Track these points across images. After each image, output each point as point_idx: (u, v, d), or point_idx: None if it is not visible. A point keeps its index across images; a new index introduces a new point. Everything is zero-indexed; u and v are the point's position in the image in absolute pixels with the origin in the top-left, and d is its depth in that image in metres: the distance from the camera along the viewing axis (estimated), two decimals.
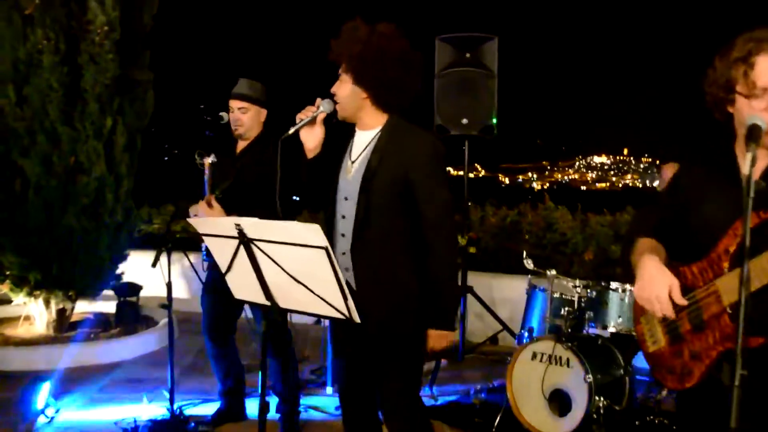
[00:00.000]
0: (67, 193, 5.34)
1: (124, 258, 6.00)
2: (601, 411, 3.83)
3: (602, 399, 3.84)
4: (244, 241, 2.00)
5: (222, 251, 2.12)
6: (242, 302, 3.90)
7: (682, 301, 1.95)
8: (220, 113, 3.90)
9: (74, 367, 5.21)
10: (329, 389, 4.74)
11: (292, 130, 2.53)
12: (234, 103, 3.89)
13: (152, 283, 5.01)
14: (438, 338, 2.54)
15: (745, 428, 1.90)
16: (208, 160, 3.54)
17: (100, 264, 5.69)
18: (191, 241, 5.03)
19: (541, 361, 3.98)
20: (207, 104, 4.10)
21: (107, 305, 6.33)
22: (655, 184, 4.82)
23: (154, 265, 3.52)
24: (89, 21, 5.31)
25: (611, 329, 3.95)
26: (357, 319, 1.94)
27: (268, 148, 3.81)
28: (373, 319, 2.42)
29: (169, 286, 3.64)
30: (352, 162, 2.62)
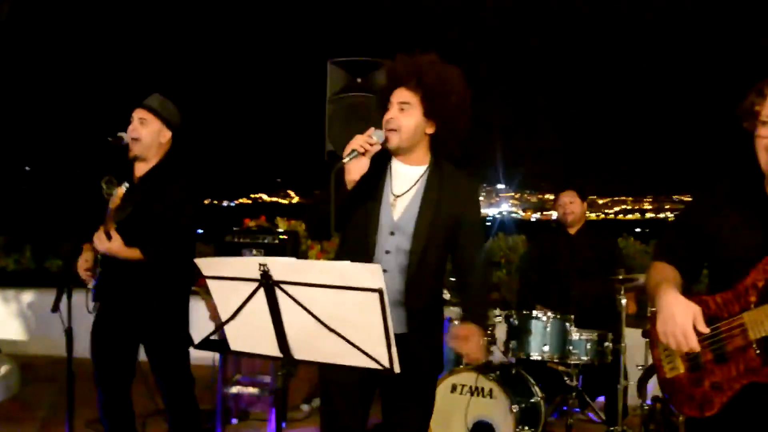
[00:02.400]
0: None
1: None
2: None
3: (525, 427, 3.84)
4: (268, 284, 1.71)
5: (228, 296, 1.80)
6: (136, 344, 3.51)
7: (705, 330, 1.93)
8: (119, 134, 3.42)
9: None
10: None
11: (347, 160, 2.36)
12: (136, 113, 3.44)
13: None
14: (465, 335, 2.51)
15: None
16: (122, 189, 3.06)
17: None
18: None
19: (461, 393, 3.91)
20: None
21: None
22: (554, 215, 4.97)
23: (55, 308, 2.99)
24: None
25: (536, 357, 3.96)
26: (397, 369, 1.72)
27: (174, 183, 3.42)
28: (420, 357, 2.48)
29: (69, 332, 3.11)
30: (396, 196, 2.52)
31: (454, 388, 3.94)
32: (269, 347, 1.83)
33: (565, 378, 4.13)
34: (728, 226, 2.06)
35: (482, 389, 3.86)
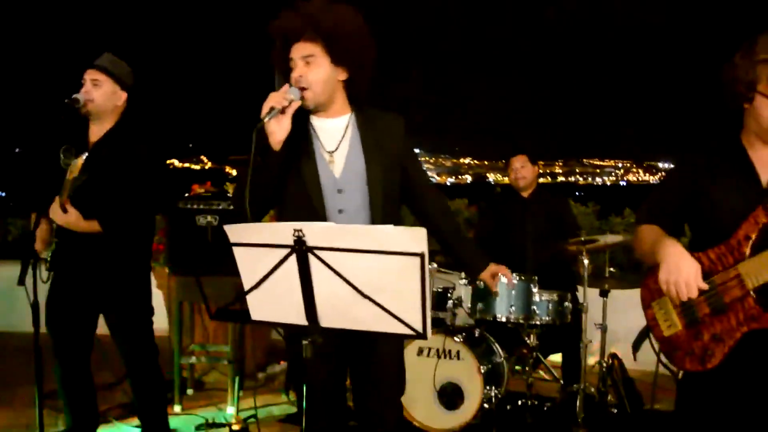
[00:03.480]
0: None
1: None
2: (492, 400, 3.91)
3: (492, 388, 3.92)
4: (301, 250, 1.64)
5: (255, 264, 1.72)
6: (95, 315, 3.36)
7: (703, 286, 2.02)
8: (74, 96, 3.21)
9: None
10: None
11: (267, 119, 2.16)
12: (88, 74, 3.23)
13: None
14: (497, 269, 2.69)
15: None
16: (81, 159, 2.86)
17: None
18: None
19: (428, 356, 3.94)
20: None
21: None
22: (506, 178, 5.01)
23: (21, 281, 2.81)
24: None
25: (503, 319, 4.02)
26: (430, 334, 1.70)
27: (131, 144, 3.25)
28: None
29: (35, 306, 2.92)
30: (331, 152, 2.38)
31: (420, 351, 3.96)
32: (295, 315, 1.77)
33: (525, 338, 4.22)
34: (717, 187, 2.14)
35: (449, 351, 3.90)
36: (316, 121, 2.42)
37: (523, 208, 4.70)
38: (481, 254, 2.74)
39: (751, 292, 2.03)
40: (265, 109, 2.18)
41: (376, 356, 2.45)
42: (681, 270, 2.00)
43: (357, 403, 2.56)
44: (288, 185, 2.35)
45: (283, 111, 2.21)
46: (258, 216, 2.27)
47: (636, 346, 2.34)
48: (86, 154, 2.96)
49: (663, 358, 2.23)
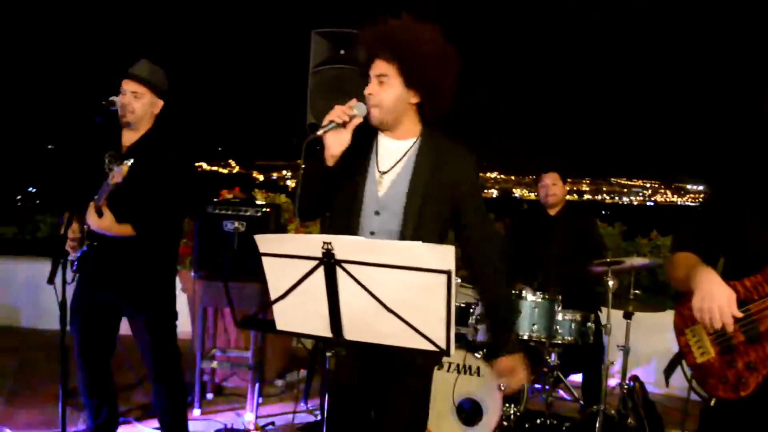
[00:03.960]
0: None
1: None
2: (511, 417, 3.89)
3: (511, 405, 3.90)
4: (329, 263, 1.66)
5: (282, 275, 1.74)
6: (119, 318, 3.40)
7: (737, 314, 2.01)
8: (111, 98, 3.27)
9: None
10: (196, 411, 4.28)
11: (321, 132, 2.19)
12: (128, 85, 3.30)
13: None
14: (510, 368, 2.36)
15: None
16: (126, 166, 2.90)
17: None
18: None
19: (448, 371, 3.93)
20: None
21: None
22: (533, 194, 5.00)
23: (51, 280, 2.86)
24: None
25: (524, 337, 4.01)
26: (453, 351, 1.71)
27: (164, 151, 3.31)
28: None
29: (63, 305, 2.97)
30: (382, 173, 2.35)
31: (441, 366, 3.95)
32: (320, 327, 1.79)
33: (546, 357, 4.20)
34: (753, 217, 2.14)
35: (470, 367, 3.89)
36: (382, 140, 2.40)
37: (550, 226, 4.69)
38: (502, 338, 2.44)
39: None
40: (325, 121, 2.22)
41: (401, 388, 2.36)
42: (715, 297, 2.00)
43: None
44: (338, 197, 2.36)
45: (344, 125, 2.23)
46: (307, 217, 2.37)
47: (668, 372, 2.30)
48: (131, 160, 2.99)
49: (695, 384, 2.22)
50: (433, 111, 2.36)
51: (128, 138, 3.37)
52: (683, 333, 2.23)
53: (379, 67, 2.29)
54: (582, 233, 4.69)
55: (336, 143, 2.22)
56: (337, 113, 2.21)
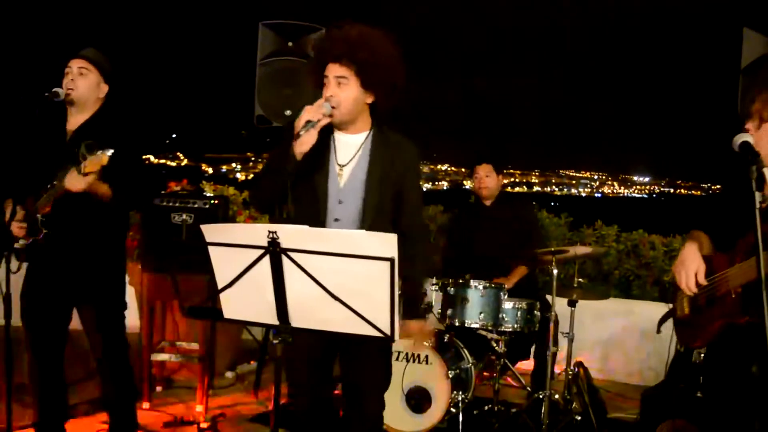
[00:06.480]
0: None
1: None
2: (459, 404, 3.96)
3: (459, 392, 3.97)
4: (275, 251, 1.68)
5: (229, 264, 1.75)
6: (71, 308, 3.35)
7: (703, 282, 2.48)
8: (54, 89, 3.22)
9: None
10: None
11: (303, 131, 2.37)
12: (74, 63, 3.27)
13: None
14: (417, 329, 2.79)
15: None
16: (107, 155, 2.89)
17: None
18: None
19: (397, 359, 3.98)
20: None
21: None
22: (468, 185, 5.12)
23: None
24: None
25: (472, 325, 4.08)
26: (398, 337, 1.75)
27: (111, 134, 3.26)
28: None
29: (7, 299, 2.92)
30: (341, 166, 2.59)
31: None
32: (267, 315, 1.81)
33: (494, 344, 4.28)
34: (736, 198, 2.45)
35: (418, 355, 3.94)
36: (338, 135, 2.62)
37: (487, 216, 4.78)
38: (414, 308, 2.77)
39: (732, 292, 2.40)
40: (301, 122, 2.39)
41: (365, 348, 2.59)
42: (685, 264, 2.50)
43: (345, 390, 2.78)
44: (299, 190, 2.52)
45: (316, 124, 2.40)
46: (264, 209, 2.82)
47: (661, 323, 3.11)
48: (112, 151, 2.95)
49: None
50: (383, 109, 2.61)
51: (74, 122, 3.32)
52: (677, 292, 2.70)
53: (339, 70, 2.47)
54: (517, 219, 4.77)
55: (309, 141, 2.39)
56: (313, 113, 2.40)
